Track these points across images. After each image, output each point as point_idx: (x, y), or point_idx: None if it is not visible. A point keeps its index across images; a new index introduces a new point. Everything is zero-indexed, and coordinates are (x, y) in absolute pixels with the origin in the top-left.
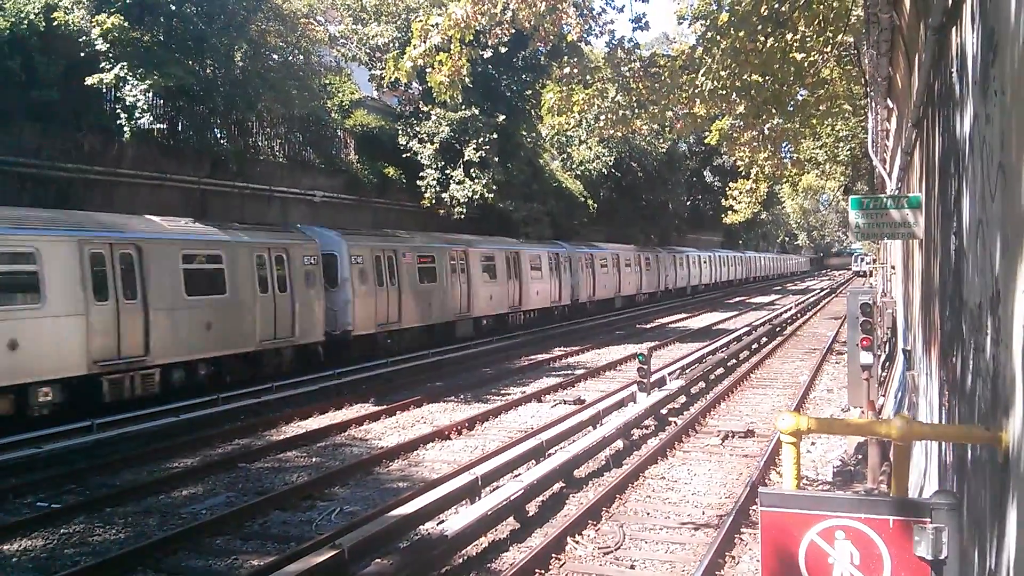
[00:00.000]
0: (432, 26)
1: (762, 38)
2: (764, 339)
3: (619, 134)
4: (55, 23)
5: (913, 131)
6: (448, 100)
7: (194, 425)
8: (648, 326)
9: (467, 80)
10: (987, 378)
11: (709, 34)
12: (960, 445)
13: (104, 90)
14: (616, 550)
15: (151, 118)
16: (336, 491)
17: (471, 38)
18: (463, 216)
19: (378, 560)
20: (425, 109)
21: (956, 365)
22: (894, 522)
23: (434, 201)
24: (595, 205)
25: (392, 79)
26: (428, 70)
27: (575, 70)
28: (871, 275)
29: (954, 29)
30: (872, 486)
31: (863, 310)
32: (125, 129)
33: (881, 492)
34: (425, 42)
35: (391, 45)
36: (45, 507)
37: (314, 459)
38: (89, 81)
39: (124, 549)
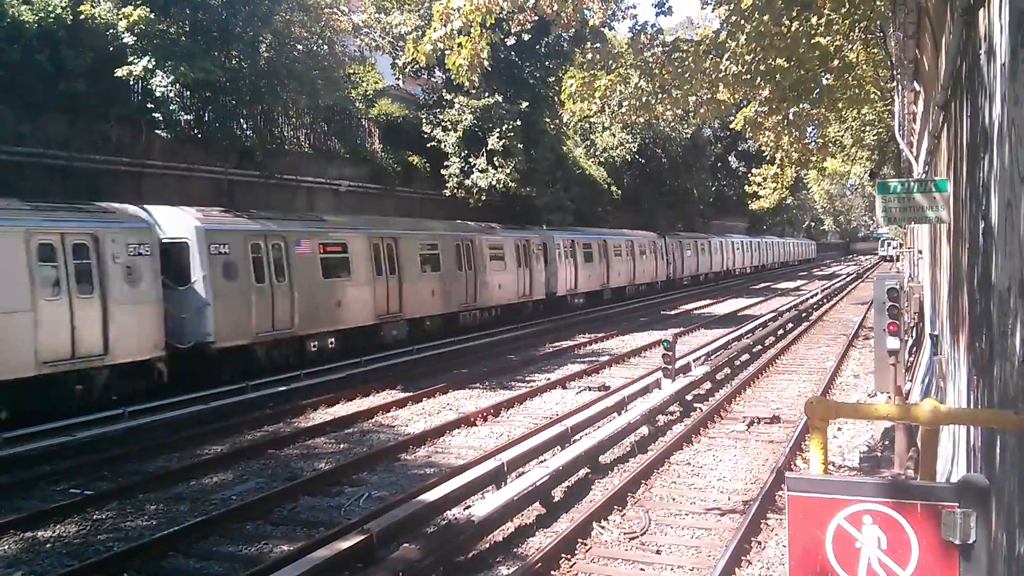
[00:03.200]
0: (453, 10)
1: (787, 22)
2: (790, 325)
3: (642, 120)
4: (82, 16)
5: (940, 114)
6: (467, 84)
7: (223, 413)
8: (672, 312)
9: (487, 63)
10: (1016, 361)
11: (733, 18)
12: (989, 430)
13: (132, 82)
14: (642, 535)
15: (178, 109)
16: (364, 477)
17: (492, 22)
18: (482, 203)
19: (406, 545)
20: (448, 97)
21: (984, 350)
22: (922, 507)
23: (457, 190)
24: (619, 192)
25: (411, 61)
26: (447, 52)
27: (597, 56)
28: (898, 260)
29: (982, 10)
30: (899, 472)
31: (890, 295)
32: (157, 120)
33: (908, 477)
34: (446, 25)
35: (414, 33)
36: (78, 494)
37: (342, 445)
38: (119, 73)
39: (156, 535)
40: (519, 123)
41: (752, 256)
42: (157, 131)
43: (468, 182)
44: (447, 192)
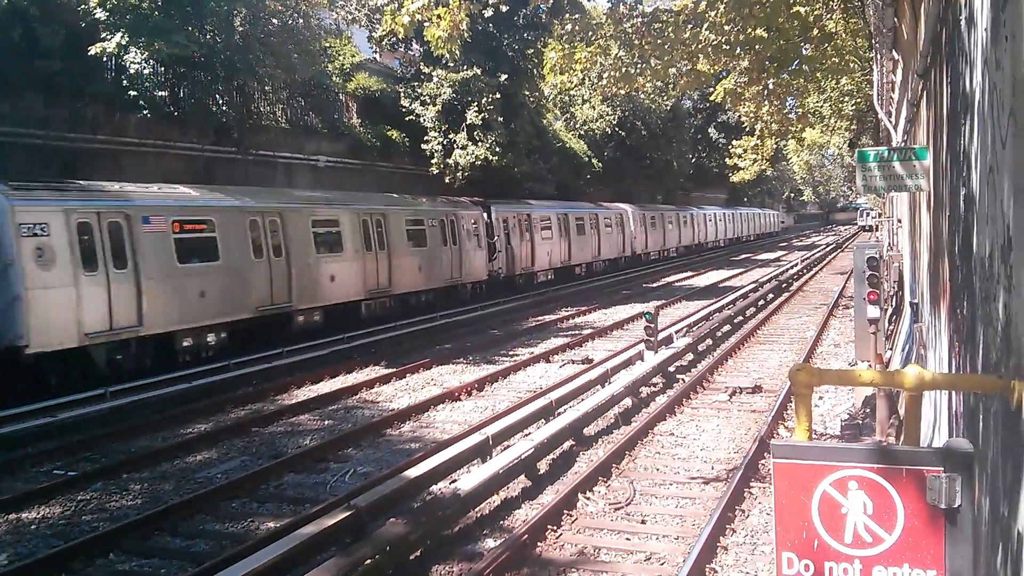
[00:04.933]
0: None
1: None
2: (770, 295)
3: (622, 92)
4: None
5: (920, 82)
6: (447, 55)
7: (206, 391)
8: (654, 285)
9: (466, 35)
10: (999, 327)
11: None
12: (972, 395)
13: (105, 59)
14: (627, 505)
15: (153, 86)
16: (349, 453)
17: None
18: (464, 181)
19: (392, 520)
20: (427, 71)
21: (966, 316)
22: (907, 471)
23: (442, 168)
24: (599, 164)
25: (389, 33)
26: (426, 24)
27: (577, 27)
28: (877, 229)
29: None
30: (880, 439)
31: (869, 264)
32: (132, 97)
33: (891, 444)
34: None
35: (392, 5)
36: (62, 475)
37: (326, 422)
38: (92, 51)
39: (141, 514)
40: (498, 96)
41: (675, 235)
42: (132, 109)
43: (450, 160)
44: (432, 170)
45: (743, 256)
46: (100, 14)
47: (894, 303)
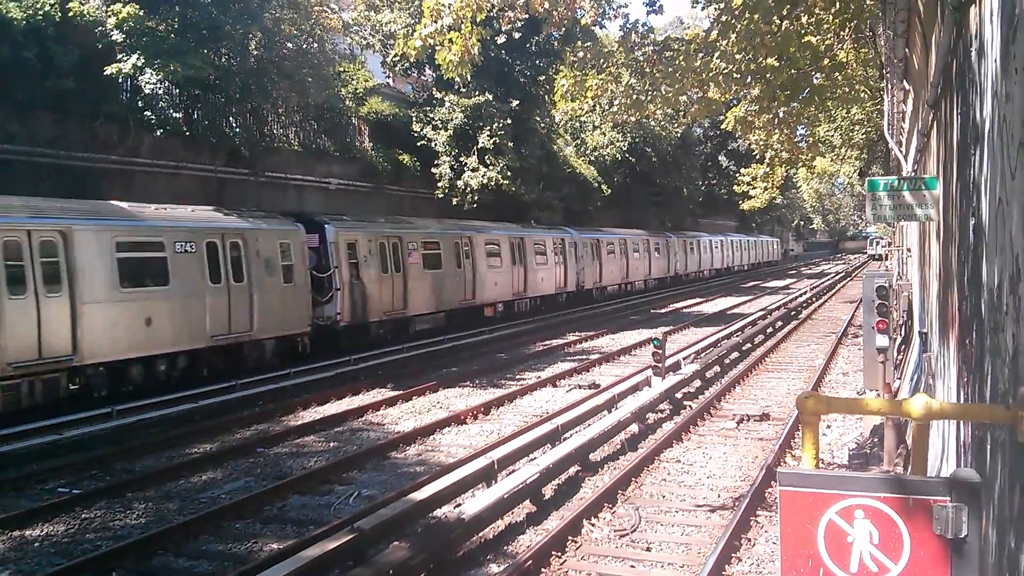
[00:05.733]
0: (444, 6)
1: (777, 21)
2: (779, 323)
3: (633, 119)
4: (71, 13)
5: (930, 112)
6: (458, 80)
7: (212, 411)
8: (662, 311)
9: (478, 59)
10: (1007, 357)
11: (723, 17)
12: (980, 425)
13: (120, 80)
14: (632, 532)
15: (167, 107)
16: (354, 475)
17: (482, 18)
18: (475, 204)
19: (396, 543)
20: (438, 96)
21: (975, 346)
22: (914, 501)
23: (448, 189)
24: (609, 190)
25: (401, 56)
26: (438, 48)
27: (589, 55)
28: (887, 258)
29: (972, 7)
30: (888, 469)
31: (879, 293)
32: (146, 118)
33: (898, 473)
34: (436, 21)
35: (405, 32)
36: (67, 493)
37: (332, 444)
38: (108, 71)
39: (145, 533)
40: (509, 122)
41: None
42: (146, 129)
43: (460, 183)
44: (439, 193)
45: (752, 283)
46: (117, 36)
47: (903, 332)
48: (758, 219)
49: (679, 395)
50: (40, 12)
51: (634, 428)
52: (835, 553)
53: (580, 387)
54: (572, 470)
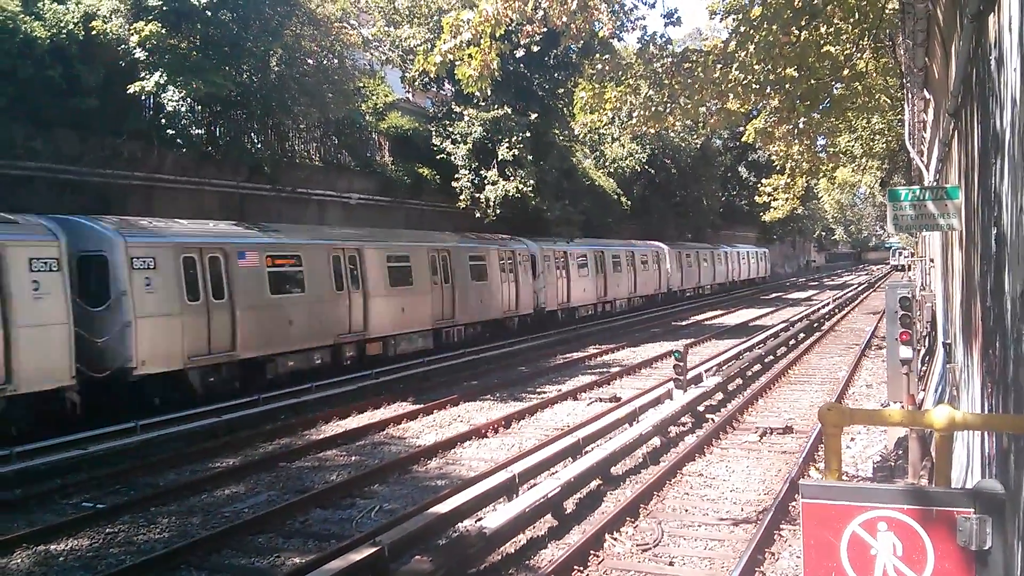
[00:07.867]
0: (463, 21)
1: (796, 31)
2: (801, 335)
3: (652, 130)
4: (94, 32)
5: (950, 121)
6: (477, 94)
7: (235, 425)
8: (683, 323)
9: (497, 74)
10: None
11: (742, 28)
12: (1004, 436)
13: (143, 97)
14: (654, 547)
15: (189, 124)
16: (376, 489)
17: (501, 33)
18: (496, 216)
19: (418, 557)
20: (458, 110)
21: (999, 356)
22: (937, 512)
23: (469, 203)
24: (628, 202)
25: (421, 72)
26: (457, 63)
27: (607, 67)
28: (909, 269)
29: (992, 16)
30: (913, 481)
31: (902, 304)
32: (169, 135)
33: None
34: (455, 37)
35: (424, 47)
36: (91, 507)
37: (353, 457)
38: (131, 89)
39: (168, 548)
40: (528, 135)
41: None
42: (168, 146)
43: (480, 196)
44: (461, 205)
45: (774, 295)
46: (139, 54)
47: (927, 343)
48: (779, 230)
49: (701, 408)
50: (64, 31)
51: (656, 441)
52: (858, 565)
53: (601, 400)
54: (594, 484)
